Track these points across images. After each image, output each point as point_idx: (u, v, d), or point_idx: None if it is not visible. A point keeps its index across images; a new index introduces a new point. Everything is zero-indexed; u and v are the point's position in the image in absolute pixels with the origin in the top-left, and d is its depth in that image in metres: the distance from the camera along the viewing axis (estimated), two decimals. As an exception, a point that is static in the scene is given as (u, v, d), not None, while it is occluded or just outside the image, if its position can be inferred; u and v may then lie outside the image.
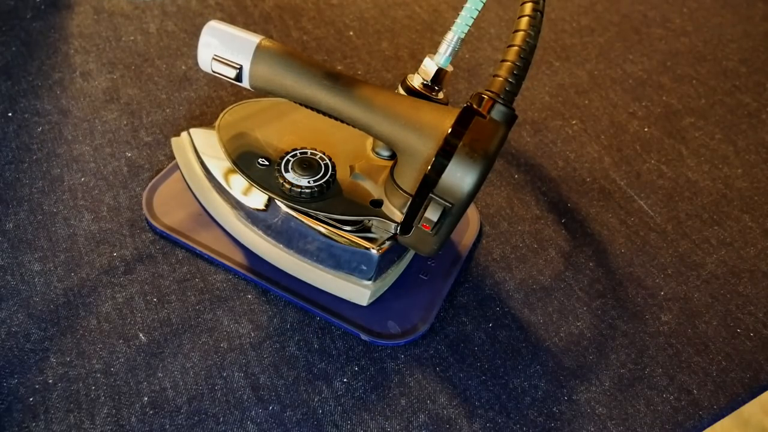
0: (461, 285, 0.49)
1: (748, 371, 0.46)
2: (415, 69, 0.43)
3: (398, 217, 0.41)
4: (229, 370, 0.42)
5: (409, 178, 0.40)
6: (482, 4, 0.40)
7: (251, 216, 0.46)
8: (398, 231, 0.41)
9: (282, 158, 0.44)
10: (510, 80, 0.36)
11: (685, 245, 0.53)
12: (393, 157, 0.46)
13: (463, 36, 0.41)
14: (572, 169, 0.58)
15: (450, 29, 0.41)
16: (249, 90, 0.42)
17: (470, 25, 0.40)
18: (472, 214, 0.53)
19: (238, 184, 0.46)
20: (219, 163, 0.47)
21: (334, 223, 0.43)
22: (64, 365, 0.42)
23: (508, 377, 0.44)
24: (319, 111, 0.41)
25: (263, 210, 0.45)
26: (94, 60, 0.61)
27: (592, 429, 0.42)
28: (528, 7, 0.37)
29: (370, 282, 0.44)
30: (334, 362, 0.43)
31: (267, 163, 0.45)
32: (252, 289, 0.46)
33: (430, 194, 0.37)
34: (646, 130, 0.63)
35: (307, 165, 0.44)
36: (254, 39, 0.40)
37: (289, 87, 0.40)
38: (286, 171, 0.44)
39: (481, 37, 0.70)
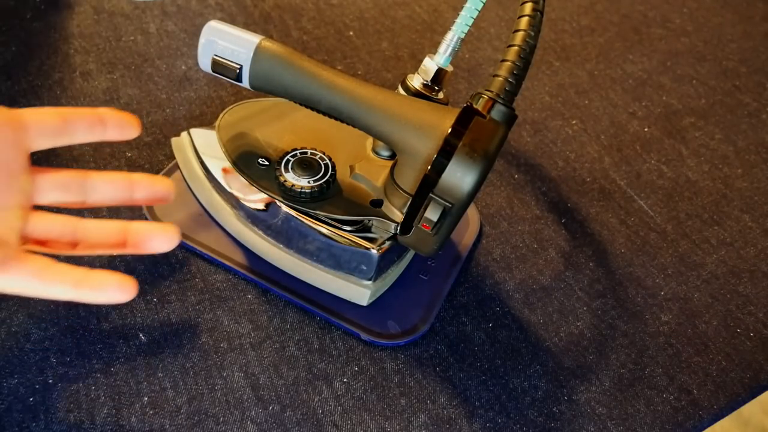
0: (461, 285, 0.49)
1: (748, 371, 0.46)
2: (415, 69, 0.43)
3: (398, 217, 0.41)
4: (229, 370, 0.42)
5: (409, 178, 0.40)
6: (482, 4, 0.40)
7: (251, 216, 0.46)
8: (398, 231, 0.41)
9: (282, 158, 0.44)
10: (510, 80, 0.36)
11: (685, 245, 0.53)
12: (393, 157, 0.46)
13: (463, 36, 0.41)
14: (572, 169, 0.58)
15: (450, 29, 0.41)
16: (249, 90, 0.42)
17: (470, 25, 0.40)
18: (472, 214, 0.53)
19: (238, 184, 0.46)
20: (219, 163, 0.47)
21: (334, 223, 0.43)
22: (64, 365, 0.42)
23: (508, 377, 0.44)
24: (319, 111, 0.41)
25: (263, 210, 0.45)
26: (94, 60, 0.61)
27: (592, 429, 0.42)
28: (528, 7, 0.37)
29: (370, 282, 0.44)
30: (334, 362, 0.44)
31: (267, 163, 0.45)
32: (252, 289, 0.47)
33: (430, 194, 0.37)
34: (646, 130, 0.63)
35: (307, 165, 0.44)
36: (254, 39, 0.40)
37: (289, 87, 0.40)
38: (286, 171, 0.44)
39: (481, 37, 0.70)
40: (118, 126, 0.38)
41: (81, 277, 0.35)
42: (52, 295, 0.34)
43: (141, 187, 0.38)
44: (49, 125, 0.36)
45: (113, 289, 0.35)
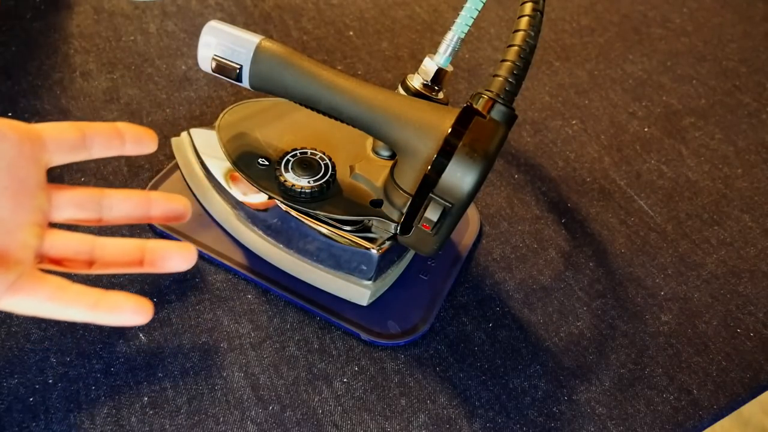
0: (461, 285, 0.49)
1: (748, 371, 0.46)
2: (415, 69, 0.43)
3: (398, 217, 0.41)
4: (229, 370, 0.42)
5: (409, 178, 0.40)
6: (482, 4, 0.40)
7: (251, 216, 0.46)
8: (398, 231, 0.41)
9: (282, 158, 0.44)
10: (510, 80, 0.36)
11: (685, 245, 0.53)
12: (393, 157, 0.46)
13: (463, 36, 0.41)
14: (572, 169, 0.58)
15: (450, 29, 0.41)
16: (249, 90, 0.42)
17: (470, 25, 0.40)
18: (472, 214, 0.53)
19: (238, 184, 0.46)
20: (219, 163, 0.47)
21: (334, 223, 0.43)
22: (64, 365, 0.42)
23: (508, 377, 0.44)
24: (319, 111, 0.41)
25: (263, 210, 0.45)
26: (94, 60, 0.61)
27: (592, 429, 0.42)
28: (528, 7, 0.37)
29: (370, 282, 0.44)
30: (334, 362, 0.43)
31: (267, 163, 0.45)
32: (252, 289, 0.47)
33: (430, 194, 0.37)
34: (646, 130, 0.63)
35: (307, 165, 0.44)
36: (254, 39, 0.40)
37: (289, 87, 0.40)
38: (286, 171, 0.44)
39: (481, 37, 0.70)
40: (136, 140, 0.38)
41: (97, 299, 0.34)
42: (67, 317, 0.34)
43: (158, 204, 0.38)
44: (67, 140, 0.35)
45: (129, 312, 0.34)
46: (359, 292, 0.45)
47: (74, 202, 0.36)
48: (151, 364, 0.42)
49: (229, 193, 0.46)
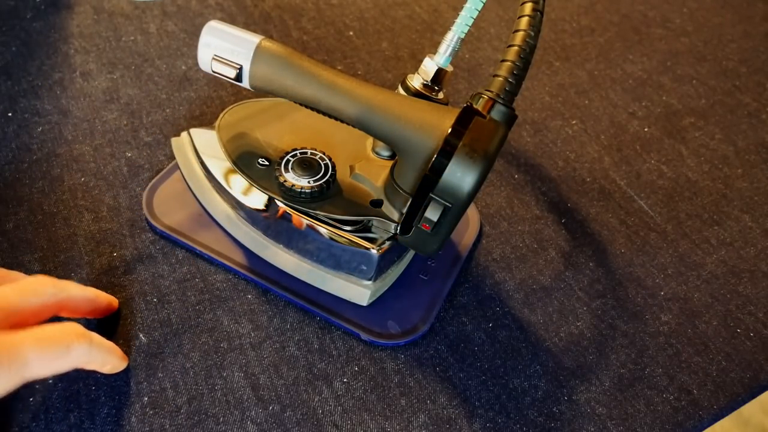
0: (461, 285, 0.49)
1: (748, 371, 0.46)
2: (415, 69, 0.43)
3: (398, 217, 0.41)
4: (229, 370, 0.42)
5: (409, 178, 0.40)
6: (482, 4, 0.40)
7: (251, 216, 0.46)
8: (398, 231, 0.41)
9: (282, 158, 0.44)
10: (510, 80, 0.36)
11: (685, 245, 0.53)
12: (393, 157, 0.46)
13: (463, 36, 0.41)
14: (572, 169, 0.58)
15: (450, 29, 0.41)
16: (249, 90, 0.42)
17: (470, 25, 0.40)
18: (472, 214, 0.53)
19: (238, 184, 0.46)
20: (219, 163, 0.47)
21: (334, 223, 0.43)
22: (64, 365, 0.42)
23: (508, 377, 0.44)
24: (319, 111, 0.41)
25: (263, 210, 0.45)
26: (94, 60, 0.61)
27: (592, 429, 0.42)
28: (528, 7, 0.37)
29: (370, 282, 0.44)
30: (334, 362, 0.43)
31: (267, 163, 0.45)
32: (252, 289, 0.46)
33: (430, 194, 0.37)
34: (646, 130, 0.63)
35: (307, 165, 0.44)
36: (254, 39, 0.40)
37: (289, 87, 0.40)
38: (286, 171, 0.44)
39: (481, 37, 0.70)
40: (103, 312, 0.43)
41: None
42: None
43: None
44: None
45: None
46: (359, 292, 0.45)
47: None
48: (151, 364, 0.42)
49: (229, 193, 0.46)
